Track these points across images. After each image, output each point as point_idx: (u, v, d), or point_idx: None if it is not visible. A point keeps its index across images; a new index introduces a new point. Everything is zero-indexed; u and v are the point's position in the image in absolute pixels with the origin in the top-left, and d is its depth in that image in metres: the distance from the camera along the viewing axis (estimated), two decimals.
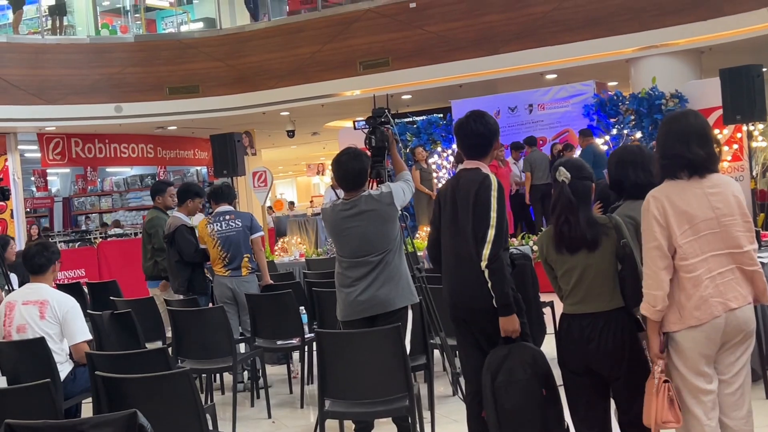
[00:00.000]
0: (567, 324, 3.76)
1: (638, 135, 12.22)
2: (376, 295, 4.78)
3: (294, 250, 11.00)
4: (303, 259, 10.25)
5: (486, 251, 3.98)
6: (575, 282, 3.71)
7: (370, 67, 14.62)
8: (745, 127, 10.37)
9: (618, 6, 12.80)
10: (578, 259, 3.70)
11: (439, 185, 13.55)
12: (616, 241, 3.68)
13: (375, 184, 5.14)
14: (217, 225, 6.97)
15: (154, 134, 17.67)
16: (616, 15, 12.81)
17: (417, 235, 11.12)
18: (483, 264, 3.98)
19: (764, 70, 10.52)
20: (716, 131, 11.82)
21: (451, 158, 13.95)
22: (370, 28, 14.55)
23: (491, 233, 3.99)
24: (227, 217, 7.02)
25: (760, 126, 10.94)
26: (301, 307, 6.64)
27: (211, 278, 7.31)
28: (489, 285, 3.98)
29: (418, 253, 7.85)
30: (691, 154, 3.40)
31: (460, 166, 4.39)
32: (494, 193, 4.06)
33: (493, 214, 4.01)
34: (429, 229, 4.50)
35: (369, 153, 5.19)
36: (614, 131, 12.59)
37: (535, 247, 8.98)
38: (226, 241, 6.91)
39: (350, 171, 4.88)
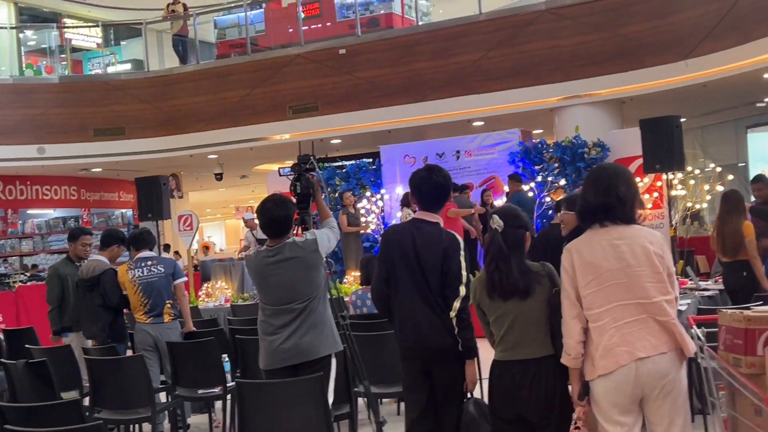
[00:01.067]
0: (498, 371, 3.79)
1: (562, 182, 12.44)
2: (300, 343, 4.74)
3: (219, 296, 10.83)
4: (228, 305, 10.09)
5: (457, 304, 4.17)
6: (507, 328, 3.76)
7: (299, 112, 14.65)
8: (664, 176, 10.63)
9: (543, 56, 13.11)
10: (510, 306, 3.76)
11: (368, 230, 13.57)
12: (549, 289, 3.74)
13: (300, 231, 5.11)
14: (138, 271, 6.81)
15: (78, 176, 17.35)
16: (540, 65, 13.11)
17: (345, 280, 11.07)
18: (453, 313, 4.17)
19: (683, 120, 10.86)
20: (637, 179, 12.12)
21: (380, 203, 13.99)
22: (299, 73, 14.60)
23: (463, 289, 4.19)
24: (149, 262, 6.87)
25: (680, 175, 11.25)
26: (224, 355, 6.52)
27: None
28: (456, 331, 4.17)
29: (345, 299, 7.82)
30: (599, 201, 3.49)
31: (416, 215, 4.48)
32: (463, 253, 4.24)
33: (464, 273, 4.21)
34: (377, 271, 4.53)
35: (294, 199, 5.17)
36: (539, 178, 12.80)
37: None
38: (147, 287, 6.76)
39: (275, 218, 4.85)
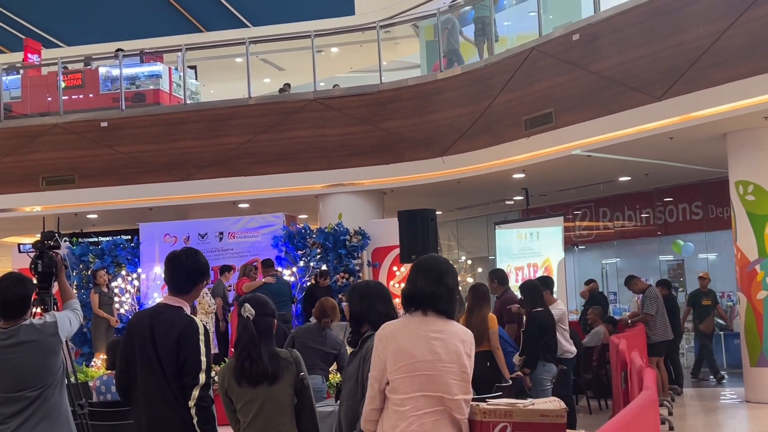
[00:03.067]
0: None
1: (323, 267, 12.59)
2: None
3: None
4: None
5: (196, 392, 3.96)
6: (255, 414, 3.85)
7: (53, 183, 13.94)
8: None
9: (309, 144, 13.39)
10: (259, 391, 3.87)
11: (121, 310, 12.98)
12: (295, 374, 3.90)
13: (39, 312, 4.78)
14: None
15: None
16: (306, 152, 13.37)
17: (93, 363, 10.49)
18: (192, 402, 3.97)
19: (439, 213, 11.41)
20: (395, 268, 12.54)
21: (136, 282, 13.46)
22: (56, 144, 13.96)
23: (203, 376, 3.98)
24: None
25: None
26: None
27: None
28: (195, 420, 3.95)
29: (89, 383, 7.37)
30: (417, 289, 3.54)
31: (161, 299, 4.33)
32: (202, 338, 4.04)
33: (203, 359, 4.00)
34: (118, 358, 4.30)
35: (34, 278, 4.84)
36: (301, 263, 12.89)
37: None
38: None
39: (10, 298, 4.49)
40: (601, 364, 10.83)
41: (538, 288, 8.08)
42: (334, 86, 15.34)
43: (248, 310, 3.96)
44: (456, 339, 3.51)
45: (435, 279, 3.54)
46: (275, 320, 4.07)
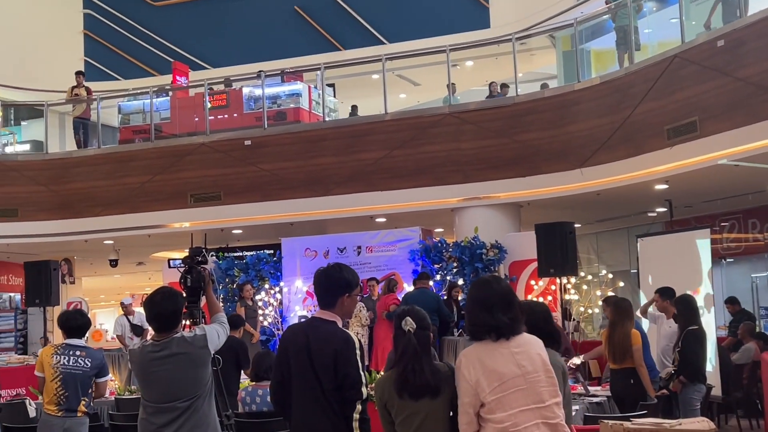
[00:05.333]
0: None
1: (460, 282, 12.56)
2: None
3: None
4: (113, 398, 9.68)
5: (359, 406, 4.13)
6: (416, 427, 3.89)
7: (201, 201, 14.49)
8: (558, 280, 10.85)
9: (444, 158, 13.40)
10: (421, 405, 3.89)
11: (265, 323, 13.36)
12: (454, 388, 3.87)
13: (188, 325, 4.98)
14: (64, 358, 6.32)
15: None
16: (442, 166, 13.38)
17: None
18: (356, 415, 4.11)
19: (577, 226, 11.18)
20: (532, 282, 12.36)
21: (278, 296, 13.83)
22: (203, 162, 14.51)
23: (365, 390, 4.13)
24: (77, 352, 6.38)
25: (573, 280, 11.50)
26: None
27: None
28: None
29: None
30: (495, 320, 3.62)
31: (314, 314, 4.44)
32: (358, 352, 4.17)
33: (362, 373, 4.15)
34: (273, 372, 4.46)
35: (184, 293, 5.05)
36: (437, 277, 12.90)
37: None
38: (68, 378, 6.26)
39: (163, 311, 4.71)
40: (752, 382, 10.35)
41: (693, 302, 7.80)
42: (501, 85, 15.38)
43: (410, 324, 4.01)
44: (533, 348, 3.65)
45: (507, 305, 3.66)
46: (431, 334, 4.13)
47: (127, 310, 14.29)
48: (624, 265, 17.37)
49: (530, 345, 3.65)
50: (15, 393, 10.71)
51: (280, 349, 4.41)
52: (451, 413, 3.87)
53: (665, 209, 14.21)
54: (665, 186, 12.30)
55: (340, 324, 4.28)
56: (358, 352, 4.17)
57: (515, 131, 13.14)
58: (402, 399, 3.93)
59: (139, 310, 13.72)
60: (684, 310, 7.68)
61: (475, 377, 3.54)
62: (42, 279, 10.97)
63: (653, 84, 11.41)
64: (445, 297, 12.37)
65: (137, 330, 13.83)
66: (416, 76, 19.93)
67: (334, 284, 4.30)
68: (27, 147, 18.10)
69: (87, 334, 7.17)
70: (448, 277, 12.83)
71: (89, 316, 12.31)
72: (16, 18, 20.45)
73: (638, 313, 9.53)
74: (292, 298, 13.77)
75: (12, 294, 18.35)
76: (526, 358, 3.59)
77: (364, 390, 4.13)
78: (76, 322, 6.54)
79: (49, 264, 11.08)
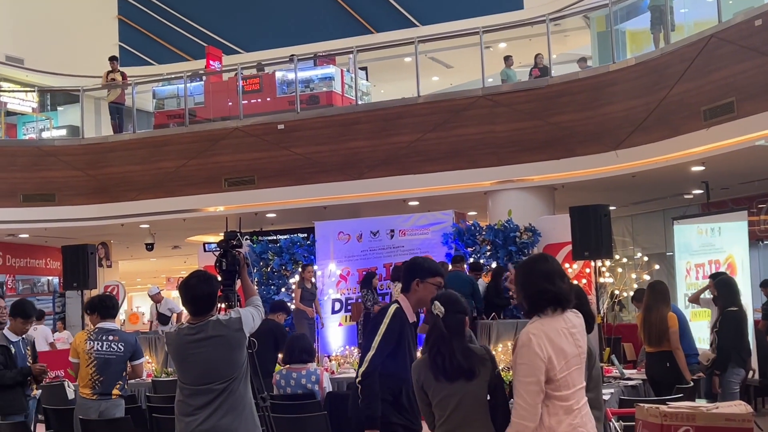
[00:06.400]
0: None
1: (494, 265, 12.52)
2: (218, 425, 4.59)
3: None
4: (150, 380, 9.81)
5: (362, 369, 4.44)
6: (453, 409, 3.91)
7: (235, 185, 14.59)
8: (593, 263, 10.78)
9: (477, 141, 13.34)
10: (456, 387, 3.92)
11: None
12: (491, 371, 3.96)
13: (224, 308, 5.01)
14: (97, 344, 6.43)
15: (3, 241, 16.90)
16: (475, 149, 13.33)
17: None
18: (357, 380, 4.46)
19: (612, 208, 11.07)
20: (566, 266, 12.29)
21: (313, 279, 13.86)
22: (237, 146, 14.59)
23: (370, 354, 4.44)
24: (111, 337, 6.48)
25: (608, 263, 11.41)
26: None
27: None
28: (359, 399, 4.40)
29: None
30: (557, 288, 3.65)
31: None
32: (387, 320, 4.46)
33: (378, 338, 4.42)
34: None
35: (219, 276, 5.08)
36: (471, 260, 12.87)
37: None
38: (103, 364, 6.39)
39: (198, 295, 4.74)
40: None
41: (734, 284, 7.71)
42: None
43: (438, 308, 4.06)
44: (582, 329, 3.71)
45: (559, 277, 3.70)
46: (467, 317, 4.15)
47: (156, 299, 14.56)
48: (660, 248, 17.23)
49: (580, 325, 3.70)
50: (54, 375, 10.88)
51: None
52: (488, 396, 3.93)
53: (701, 191, 14.05)
54: (702, 167, 12.16)
55: (401, 302, 4.63)
56: (387, 319, 4.54)
57: (549, 113, 13.03)
58: (438, 381, 3.96)
59: (167, 297, 13.95)
60: (724, 291, 7.60)
61: (547, 354, 3.55)
62: (79, 263, 11.08)
63: (689, 64, 11.26)
64: (486, 282, 12.26)
65: (162, 319, 14.06)
66: (449, 58, 19.84)
67: (407, 269, 4.71)
68: (63, 132, 18.31)
69: (120, 317, 7.26)
70: (481, 260, 12.78)
71: (125, 298, 12.49)
72: (52, 4, 20.66)
73: (688, 300, 9.45)
74: (325, 282, 13.80)
75: (50, 277, 18.65)
76: (580, 337, 3.65)
77: (370, 353, 4.48)
78: (105, 304, 6.67)
79: (87, 248, 11.19)
